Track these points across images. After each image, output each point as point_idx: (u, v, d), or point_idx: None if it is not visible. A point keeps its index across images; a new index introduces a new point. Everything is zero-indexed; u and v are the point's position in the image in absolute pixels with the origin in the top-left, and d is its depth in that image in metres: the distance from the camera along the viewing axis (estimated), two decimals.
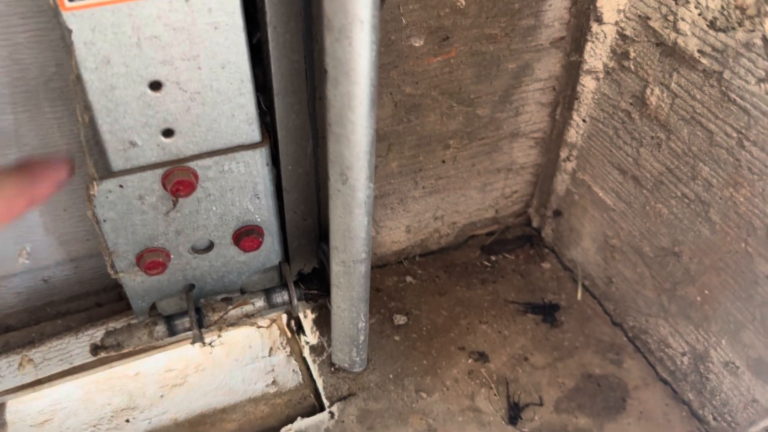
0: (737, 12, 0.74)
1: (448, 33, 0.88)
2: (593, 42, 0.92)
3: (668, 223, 0.91)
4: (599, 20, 0.89)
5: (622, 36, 0.89)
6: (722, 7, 0.75)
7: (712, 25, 0.76)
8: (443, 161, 1.04)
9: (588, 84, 0.97)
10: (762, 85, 0.73)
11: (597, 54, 0.93)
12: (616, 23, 0.89)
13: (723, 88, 0.77)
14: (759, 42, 0.72)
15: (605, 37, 0.91)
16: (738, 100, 0.76)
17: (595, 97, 0.97)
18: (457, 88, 0.95)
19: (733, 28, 0.74)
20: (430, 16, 0.85)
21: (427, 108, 0.96)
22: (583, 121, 1.00)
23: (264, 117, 0.82)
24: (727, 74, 0.76)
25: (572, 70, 0.98)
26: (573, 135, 1.03)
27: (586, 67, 0.95)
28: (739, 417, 0.89)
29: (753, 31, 0.72)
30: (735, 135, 0.78)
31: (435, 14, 0.85)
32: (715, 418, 0.93)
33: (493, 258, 1.17)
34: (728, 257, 0.84)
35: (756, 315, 0.82)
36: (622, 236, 1.00)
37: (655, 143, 0.89)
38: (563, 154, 1.07)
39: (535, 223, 1.21)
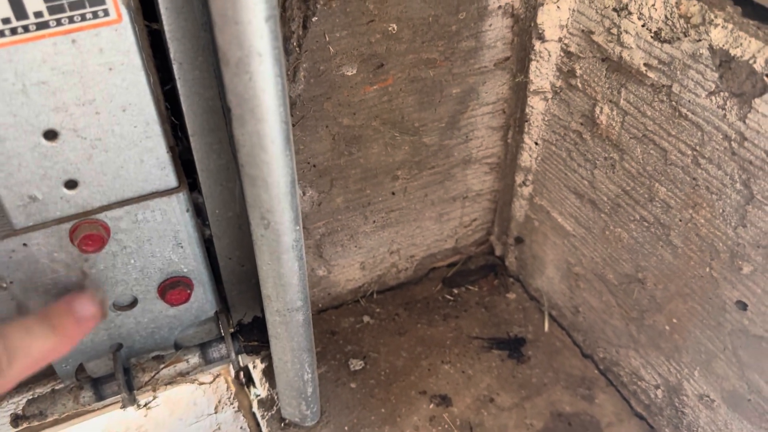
0: (681, 21, 0.69)
1: (382, 60, 0.83)
2: (537, 61, 0.87)
3: (629, 248, 0.85)
4: (541, 38, 0.84)
5: (566, 53, 0.84)
6: (666, 16, 0.70)
7: (656, 36, 0.71)
8: (393, 193, 0.99)
9: (537, 105, 0.91)
10: (713, 98, 0.67)
11: (543, 73, 0.88)
12: (560, 39, 0.84)
13: (673, 103, 0.72)
14: (706, 52, 0.67)
15: (549, 55, 0.85)
16: (689, 115, 0.71)
17: (545, 118, 0.91)
18: (399, 117, 0.90)
19: (679, 39, 0.69)
20: (361, 43, 0.80)
21: (369, 139, 0.90)
22: (536, 143, 0.95)
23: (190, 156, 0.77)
24: (676, 88, 0.71)
25: (520, 91, 0.92)
26: (527, 158, 0.98)
27: (533, 87, 0.90)
28: None
29: (699, 40, 0.67)
30: (689, 152, 0.72)
31: (366, 41, 0.80)
32: None
33: (455, 291, 1.11)
34: (693, 282, 0.78)
35: (726, 344, 0.76)
36: (584, 263, 0.94)
37: (609, 164, 0.84)
38: (519, 178, 1.01)
39: (498, 252, 1.15)
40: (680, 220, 0.76)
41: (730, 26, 0.64)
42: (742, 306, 0.73)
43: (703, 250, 0.75)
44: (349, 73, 0.82)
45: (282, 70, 0.57)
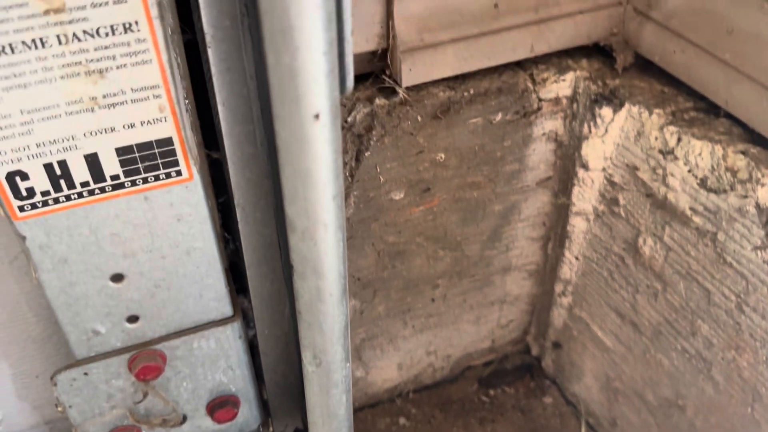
0: (728, 174, 0.70)
1: (429, 185, 0.85)
2: (580, 186, 0.89)
3: (670, 375, 0.86)
4: (585, 167, 0.86)
5: (610, 182, 0.86)
6: (712, 167, 0.71)
7: (702, 184, 0.73)
8: (432, 300, 1.00)
9: (578, 224, 0.93)
10: (759, 252, 0.69)
11: (585, 198, 0.89)
12: (603, 170, 0.86)
13: (718, 250, 0.73)
14: (752, 210, 0.68)
15: (593, 182, 0.87)
16: (734, 264, 0.72)
17: (587, 237, 0.93)
18: (442, 233, 0.92)
19: (725, 191, 0.71)
20: (409, 171, 0.83)
21: (412, 253, 0.92)
22: (576, 258, 0.96)
23: (236, 285, 0.79)
24: (721, 236, 0.72)
25: (561, 210, 0.94)
26: (566, 271, 0.99)
27: (575, 209, 0.91)
28: None
29: (746, 197, 0.68)
30: (734, 298, 0.73)
31: (414, 170, 0.83)
32: None
33: (491, 392, 1.11)
34: (735, 419, 0.78)
35: None
36: (624, 379, 0.95)
37: (651, 292, 0.85)
38: (558, 288, 1.02)
39: (534, 352, 1.15)
40: (722, 359, 0.77)
41: None
42: None
43: (745, 391, 0.75)
44: (397, 198, 0.85)
45: (343, 235, 0.60)
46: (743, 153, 0.69)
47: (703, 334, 0.79)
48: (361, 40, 0.72)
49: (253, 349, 0.85)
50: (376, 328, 0.99)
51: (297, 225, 0.58)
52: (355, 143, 0.78)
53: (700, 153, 0.72)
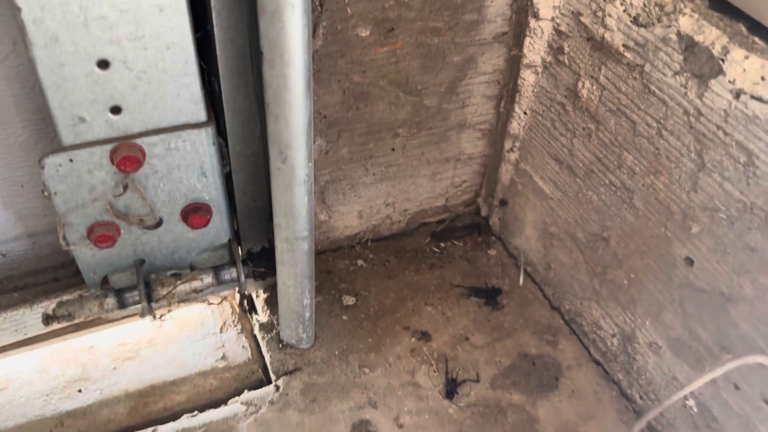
0: (656, 8, 0.79)
1: (393, 24, 0.93)
2: (531, 37, 0.97)
3: (598, 210, 0.96)
4: (536, 16, 0.94)
5: (557, 32, 0.94)
6: (644, 3, 0.80)
7: (635, 20, 0.82)
8: (393, 149, 1.09)
9: (528, 78, 1.02)
10: (677, 77, 0.78)
11: (535, 49, 0.98)
12: (552, 19, 0.94)
13: (644, 81, 0.82)
14: (674, 37, 0.77)
15: (542, 32, 0.95)
16: (657, 91, 0.81)
17: (535, 90, 1.02)
18: (404, 78, 1.00)
19: (653, 24, 0.79)
20: (375, 7, 0.90)
21: (376, 97, 1.00)
22: (525, 113, 1.05)
23: (214, 99, 0.86)
24: (647, 67, 0.81)
25: (514, 64, 1.03)
26: (516, 127, 1.08)
27: (525, 61, 1.00)
28: (661, 395, 0.94)
29: (669, 26, 0.77)
30: (655, 125, 0.83)
31: (380, 6, 0.90)
32: (641, 397, 0.98)
33: (442, 244, 1.21)
34: (650, 241, 0.89)
35: (675, 297, 0.87)
36: (559, 223, 1.05)
37: (586, 134, 0.94)
38: (507, 145, 1.11)
39: (483, 212, 1.26)
40: (642, 185, 0.87)
41: (696, 15, 0.74)
42: (690, 262, 0.84)
43: (660, 212, 0.86)
44: (363, 34, 0.92)
45: (309, 21, 0.67)
46: None
47: (628, 165, 0.89)
48: None
49: (228, 181, 0.93)
50: (339, 171, 1.08)
51: (267, 6, 0.65)
52: None
53: None
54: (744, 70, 0.71)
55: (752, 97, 0.70)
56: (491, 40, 1.00)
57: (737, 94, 0.72)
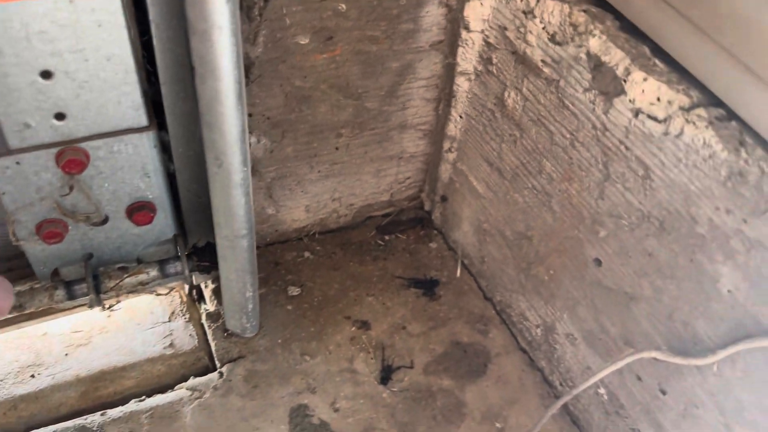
0: (571, 28, 0.85)
1: (331, 33, 0.97)
2: (464, 47, 1.02)
3: (522, 210, 1.03)
4: (468, 28, 1.00)
5: (487, 43, 0.99)
6: (560, 23, 0.86)
7: (552, 38, 0.88)
8: (337, 148, 1.14)
9: (462, 84, 1.07)
10: (587, 94, 0.84)
11: (468, 58, 1.03)
12: (482, 31, 0.99)
13: (560, 95, 0.89)
14: (584, 56, 0.83)
15: (473, 43, 1.01)
16: (570, 106, 0.87)
17: (468, 96, 1.07)
18: (344, 83, 1.05)
19: (567, 43, 0.85)
20: (314, 17, 0.94)
21: (318, 100, 1.05)
22: (460, 117, 1.11)
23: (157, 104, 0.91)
24: (562, 83, 0.88)
25: (450, 70, 1.08)
26: (452, 129, 1.14)
27: (459, 69, 1.05)
28: (577, 382, 1.02)
29: (581, 46, 0.83)
30: (569, 136, 0.89)
31: (318, 16, 0.95)
32: (561, 383, 1.06)
33: (387, 237, 1.28)
34: (566, 242, 0.96)
35: (587, 293, 0.95)
36: (491, 221, 1.12)
37: (512, 140, 1.00)
38: (446, 145, 1.18)
39: (426, 207, 1.32)
40: (559, 191, 0.94)
41: (605, 37, 0.81)
42: (598, 263, 0.91)
43: (573, 216, 0.93)
44: (302, 42, 0.97)
45: (239, 40, 0.72)
46: (584, 11, 0.83)
47: (547, 171, 0.95)
48: None
49: (172, 177, 0.98)
50: (285, 169, 1.13)
51: (197, 27, 0.70)
52: None
53: (552, 11, 0.86)
54: (643, 90, 0.77)
55: (648, 116, 0.77)
56: (428, 48, 1.06)
57: (636, 113, 0.78)
